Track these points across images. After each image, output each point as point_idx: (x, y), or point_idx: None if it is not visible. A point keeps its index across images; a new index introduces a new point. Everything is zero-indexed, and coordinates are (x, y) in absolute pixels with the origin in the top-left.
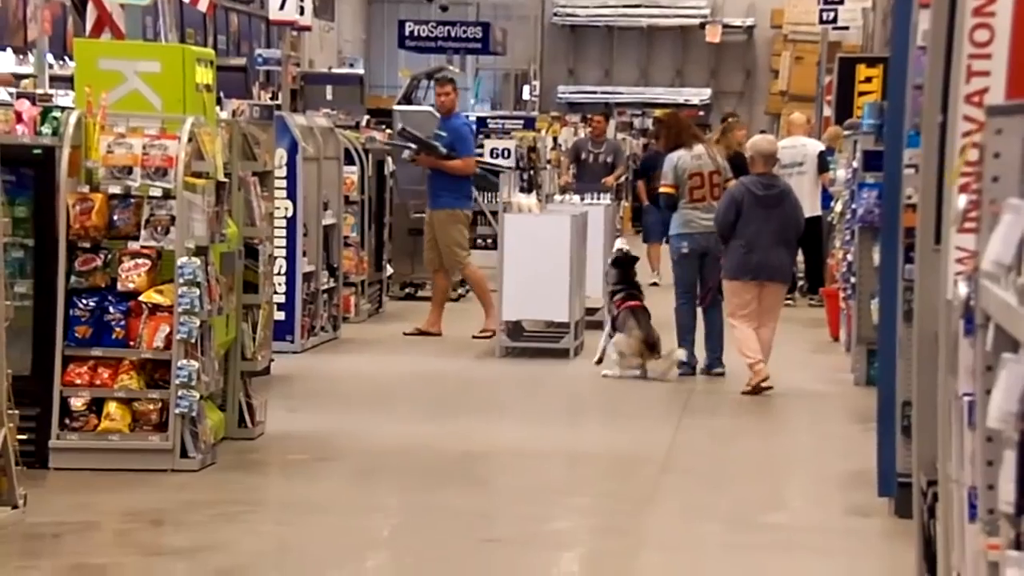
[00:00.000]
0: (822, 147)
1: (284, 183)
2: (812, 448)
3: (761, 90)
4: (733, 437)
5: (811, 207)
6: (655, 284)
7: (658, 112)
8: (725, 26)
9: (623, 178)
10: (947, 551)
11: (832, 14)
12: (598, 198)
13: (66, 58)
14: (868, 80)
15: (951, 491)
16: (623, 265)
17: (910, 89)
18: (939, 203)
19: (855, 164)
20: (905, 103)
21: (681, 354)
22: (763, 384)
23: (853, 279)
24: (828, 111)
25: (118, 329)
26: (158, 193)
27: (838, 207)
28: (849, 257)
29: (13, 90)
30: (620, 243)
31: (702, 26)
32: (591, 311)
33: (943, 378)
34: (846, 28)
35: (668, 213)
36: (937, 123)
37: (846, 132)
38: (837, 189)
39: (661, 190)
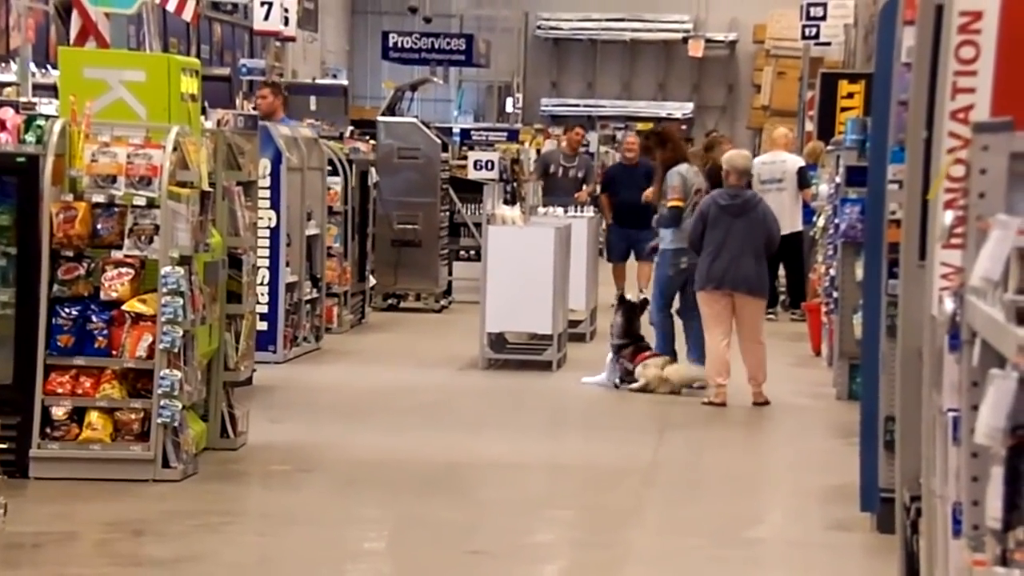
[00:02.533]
0: (802, 163)
1: (268, 193)
2: (794, 462)
3: (743, 105)
4: (715, 450)
5: (791, 223)
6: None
7: (640, 125)
8: (708, 41)
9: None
10: (930, 567)
11: (814, 30)
12: (579, 211)
13: (48, 66)
14: (850, 96)
15: (935, 506)
16: (628, 313)
17: (894, 105)
18: (923, 219)
19: (838, 179)
20: (889, 119)
21: (700, 371)
22: (723, 403)
23: (836, 294)
24: (810, 126)
25: (100, 338)
26: (142, 202)
27: (820, 222)
28: (832, 272)
29: None
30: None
31: (685, 40)
32: (574, 323)
33: (927, 393)
34: (828, 44)
35: (670, 225)
36: (922, 139)
37: (829, 148)
38: (820, 204)
39: (671, 204)
